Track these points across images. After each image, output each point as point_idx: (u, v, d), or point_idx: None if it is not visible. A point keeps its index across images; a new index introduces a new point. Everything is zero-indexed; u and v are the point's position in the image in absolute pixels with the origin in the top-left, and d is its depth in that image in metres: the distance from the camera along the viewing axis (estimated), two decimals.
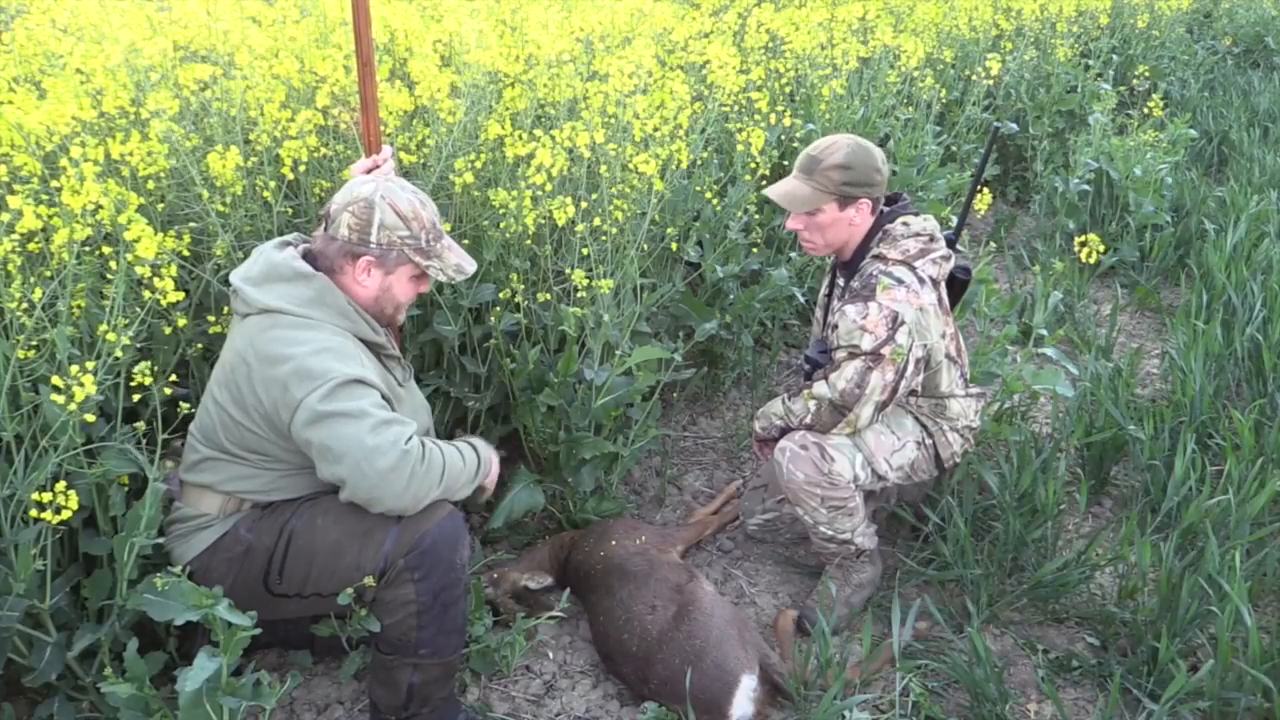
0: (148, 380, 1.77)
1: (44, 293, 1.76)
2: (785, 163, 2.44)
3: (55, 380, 1.66)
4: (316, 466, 1.87)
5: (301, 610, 1.97)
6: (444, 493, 1.94)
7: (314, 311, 1.92)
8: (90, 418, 1.75)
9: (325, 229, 1.99)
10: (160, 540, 1.89)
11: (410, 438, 1.87)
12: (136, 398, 1.87)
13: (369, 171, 2.19)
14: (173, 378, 1.97)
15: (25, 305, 1.75)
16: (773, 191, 2.45)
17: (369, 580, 1.89)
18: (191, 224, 2.26)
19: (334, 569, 1.91)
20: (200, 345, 2.27)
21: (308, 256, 2.00)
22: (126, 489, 1.92)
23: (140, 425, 1.84)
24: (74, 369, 1.67)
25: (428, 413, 2.20)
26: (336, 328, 1.93)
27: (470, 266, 2.09)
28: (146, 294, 1.81)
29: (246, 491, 1.97)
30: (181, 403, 1.95)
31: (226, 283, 2.28)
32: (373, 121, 2.20)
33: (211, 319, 2.26)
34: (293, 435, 1.86)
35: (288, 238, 2.08)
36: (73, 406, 1.66)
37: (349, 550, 1.90)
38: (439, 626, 1.96)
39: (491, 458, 2.13)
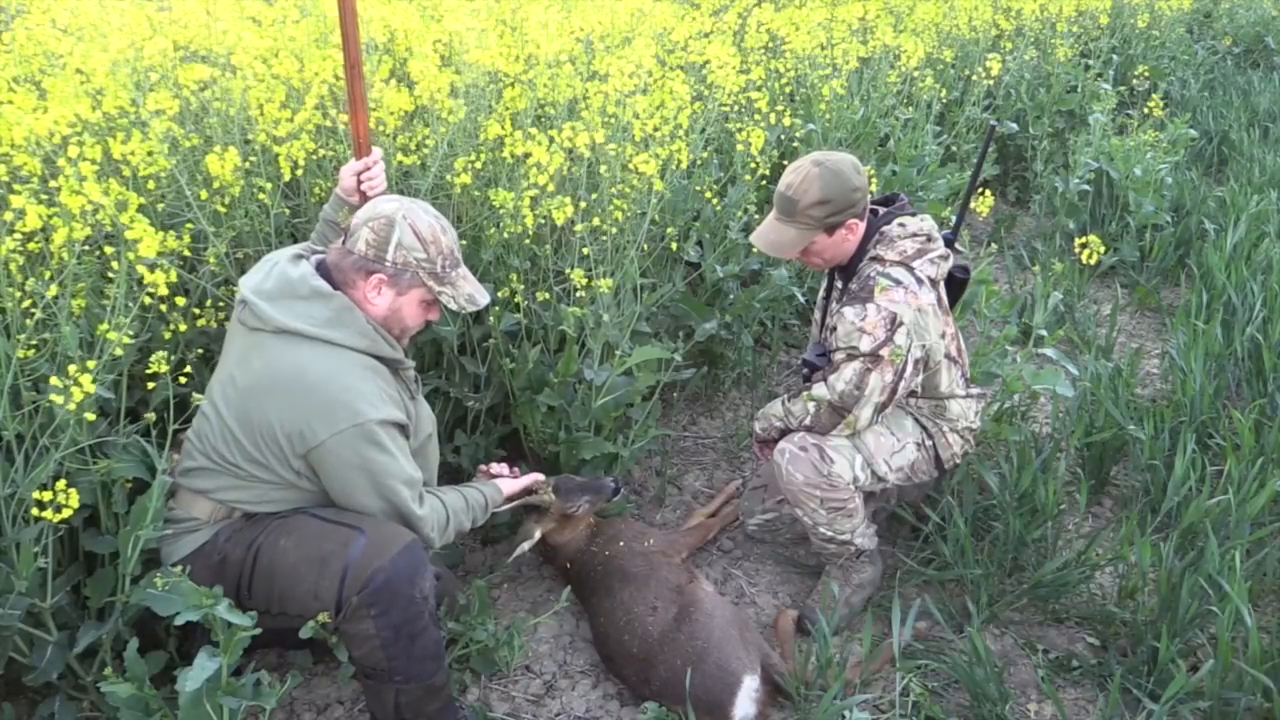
0: (164, 369, 1.77)
1: (40, 291, 1.75)
2: (785, 162, 2.44)
3: (54, 380, 1.66)
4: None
5: (274, 625, 1.93)
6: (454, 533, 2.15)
7: (332, 332, 1.90)
8: (91, 416, 1.75)
9: (344, 242, 1.98)
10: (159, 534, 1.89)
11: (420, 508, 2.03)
12: (151, 385, 1.88)
13: (359, 174, 2.16)
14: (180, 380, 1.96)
15: (29, 302, 1.75)
16: (760, 241, 2.41)
17: (323, 617, 1.86)
18: (190, 225, 2.26)
19: (293, 592, 1.89)
20: (199, 350, 2.26)
21: (320, 268, 1.98)
22: (130, 486, 1.92)
23: (151, 416, 1.83)
24: (72, 368, 1.66)
25: (433, 423, 2.19)
26: (356, 352, 1.92)
27: (483, 299, 2.08)
28: (146, 298, 1.81)
29: (238, 501, 1.96)
30: (195, 395, 1.94)
31: (222, 284, 2.28)
32: (362, 124, 2.17)
33: (222, 315, 2.25)
34: (307, 462, 1.91)
35: (298, 249, 2.05)
36: (71, 406, 1.66)
37: (306, 577, 1.88)
38: (409, 656, 1.94)
39: (498, 496, 2.31)
